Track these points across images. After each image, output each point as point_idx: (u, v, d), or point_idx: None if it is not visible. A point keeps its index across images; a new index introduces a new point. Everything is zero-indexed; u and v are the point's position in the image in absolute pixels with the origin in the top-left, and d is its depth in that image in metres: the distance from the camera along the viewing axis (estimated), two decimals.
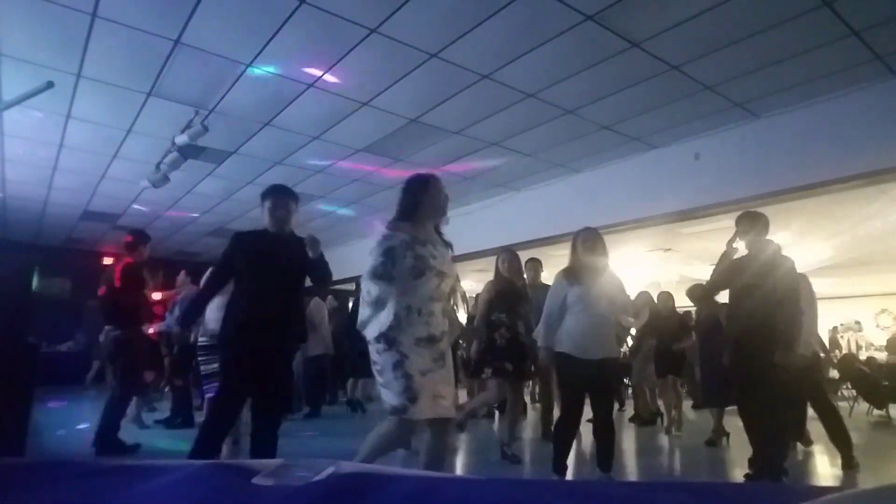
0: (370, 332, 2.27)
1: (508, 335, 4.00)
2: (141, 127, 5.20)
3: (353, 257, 11.00)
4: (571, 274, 3.28)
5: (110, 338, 4.20)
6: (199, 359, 4.13)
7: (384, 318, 2.23)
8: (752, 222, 3.38)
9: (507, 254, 4.30)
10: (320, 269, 2.87)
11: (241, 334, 2.75)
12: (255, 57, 3.97)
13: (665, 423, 5.74)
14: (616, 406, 7.55)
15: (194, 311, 3.06)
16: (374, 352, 2.27)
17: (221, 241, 10.64)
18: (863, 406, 7.05)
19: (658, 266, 9.74)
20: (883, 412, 6.91)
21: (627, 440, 5.46)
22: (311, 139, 5.47)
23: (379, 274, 2.25)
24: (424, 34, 3.70)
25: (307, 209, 7.73)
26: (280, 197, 2.94)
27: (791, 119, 4.65)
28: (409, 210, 2.39)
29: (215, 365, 3.73)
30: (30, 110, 4.75)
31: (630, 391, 6.93)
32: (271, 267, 2.80)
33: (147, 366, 4.92)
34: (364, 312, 2.32)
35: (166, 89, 4.46)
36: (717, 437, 4.91)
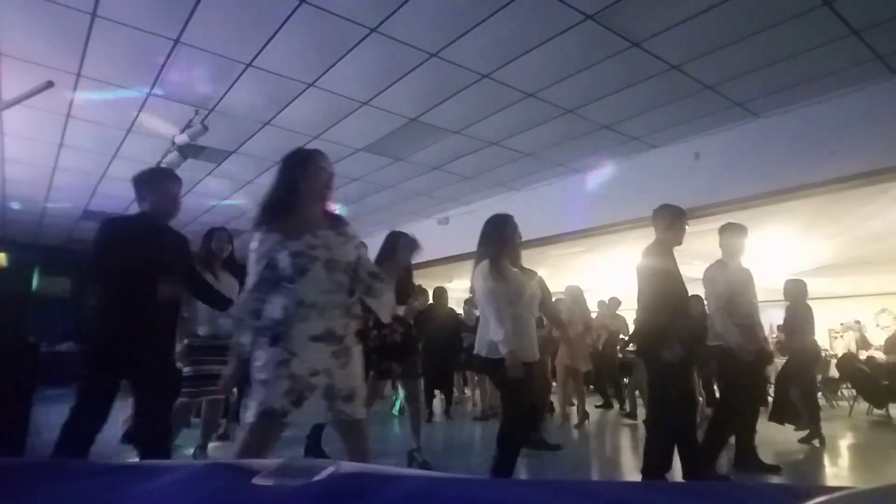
0: (257, 328, 1.99)
1: None
2: (141, 127, 5.20)
3: None
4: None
5: None
6: (189, 359, 3.74)
7: (270, 313, 1.96)
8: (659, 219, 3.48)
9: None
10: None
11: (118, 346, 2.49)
12: (255, 57, 3.97)
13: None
14: (616, 406, 7.56)
15: None
16: (257, 344, 1.96)
17: None
18: (863, 406, 7.06)
19: None
20: (883, 412, 6.91)
21: (631, 440, 5.46)
22: (311, 139, 5.47)
23: (256, 284, 1.99)
24: (424, 34, 3.70)
25: None
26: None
27: (791, 119, 4.65)
28: (280, 200, 2.07)
29: (210, 367, 3.57)
30: (30, 110, 4.75)
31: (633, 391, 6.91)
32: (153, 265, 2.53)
33: None
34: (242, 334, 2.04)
35: (166, 89, 4.46)
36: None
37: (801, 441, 4.77)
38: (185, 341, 3.75)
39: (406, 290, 3.84)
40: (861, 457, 3.97)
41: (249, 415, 1.92)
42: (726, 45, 3.75)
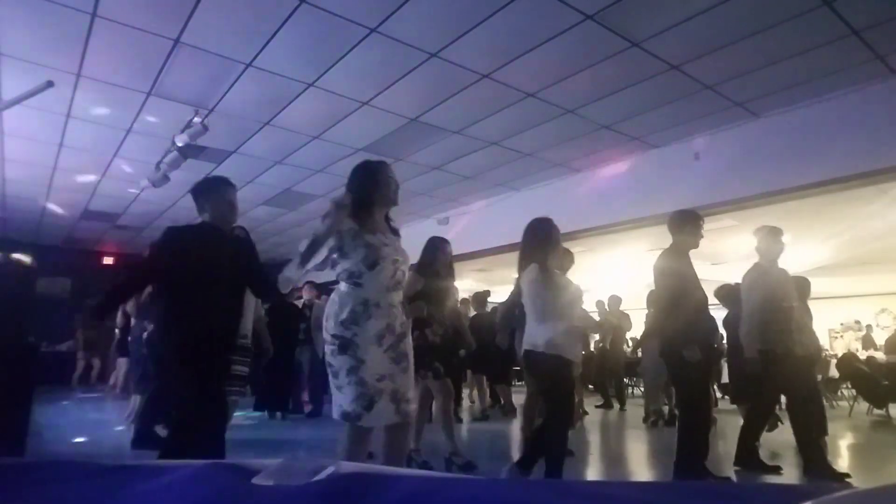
0: (328, 331, 2.15)
1: None
2: (141, 127, 5.20)
3: None
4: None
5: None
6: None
7: (338, 315, 2.11)
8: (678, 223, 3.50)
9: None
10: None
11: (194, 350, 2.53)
12: (255, 57, 3.97)
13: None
14: (617, 406, 7.56)
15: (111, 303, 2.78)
16: (329, 352, 2.14)
17: None
18: (863, 406, 7.06)
19: None
20: (883, 412, 6.91)
21: (641, 440, 5.46)
22: (311, 139, 5.47)
23: (318, 253, 2.09)
24: (424, 34, 3.70)
25: (307, 209, 7.74)
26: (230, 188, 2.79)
27: (791, 119, 4.65)
28: (358, 196, 2.22)
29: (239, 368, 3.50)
30: (30, 110, 4.75)
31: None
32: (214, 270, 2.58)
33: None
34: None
35: (166, 89, 4.46)
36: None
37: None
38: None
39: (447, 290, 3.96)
40: (861, 457, 3.96)
41: (334, 414, 2.13)
42: (726, 45, 3.75)
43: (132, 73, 4.23)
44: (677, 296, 3.30)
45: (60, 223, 9.08)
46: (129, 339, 5.19)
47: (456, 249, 7.51)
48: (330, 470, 0.82)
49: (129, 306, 5.31)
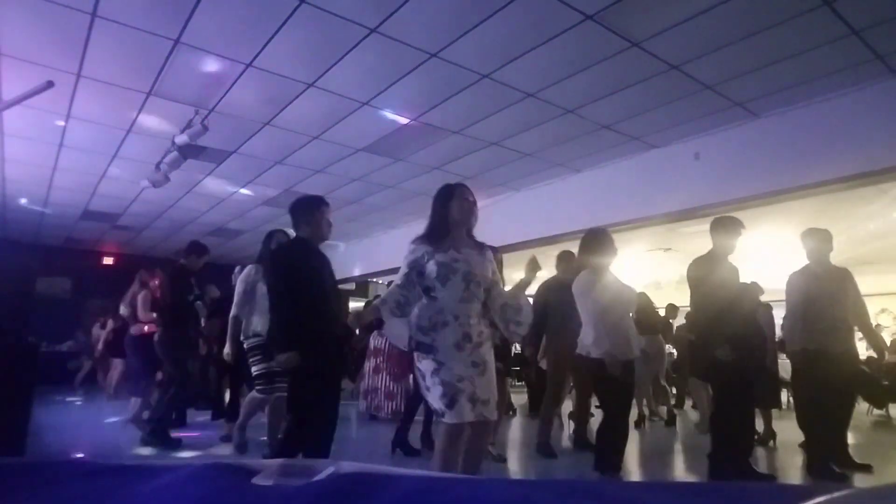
0: (412, 340, 2.42)
1: None
2: (141, 127, 5.20)
3: (353, 257, 10.99)
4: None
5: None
6: (252, 359, 3.88)
7: (418, 323, 2.40)
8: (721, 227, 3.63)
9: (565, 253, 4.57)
10: None
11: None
12: (255, 57, 3.97)
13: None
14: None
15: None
16: (415, 358, 2.42)
17: (221, 241, 10.61)
18: (863, 406, 7.06)
19: (658, 266, 9.75)
20: (883, 412, 6.92)
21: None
22: (311, 139, 5.47)
23: (402, 284, 2.43)
24: (424, 34, 3.69)
25: None
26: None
27: (791, 119, 4.65)
28: (433, 222, 2.54)
29: (266, 364, 3.69)
30: (30, 110, 4.75)
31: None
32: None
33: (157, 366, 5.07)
34: (393, 322, 2.60)
35: (166, 89, 4.46)
36: (766, 437, 4.92)
37: (802, 445, 4.75)
38: (248, 342, 3.87)
39: None
40: (861, 457, 3.96)
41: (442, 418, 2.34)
42: (726, 45, 3.75)
43: (132, 74, 4.23)
44: (711, 300, 3.41)
45: (60, 223, 9.09)
46: (130, 341, 5.20)
47: None
48: (330, 470, 0.82)
49: (123, 309, 5.33)
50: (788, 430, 4.98)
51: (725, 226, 3.59)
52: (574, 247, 3.87)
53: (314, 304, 2.81)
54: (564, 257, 4.65)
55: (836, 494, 0.62)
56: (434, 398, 2.32)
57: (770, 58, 3.91)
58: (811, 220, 6.53)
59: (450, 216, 2.51)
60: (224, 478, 0.83)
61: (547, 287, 4.58)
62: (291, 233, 3.26)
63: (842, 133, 4.36)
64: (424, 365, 2.36)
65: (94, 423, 5.77)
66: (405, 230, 8.16)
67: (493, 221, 7.23)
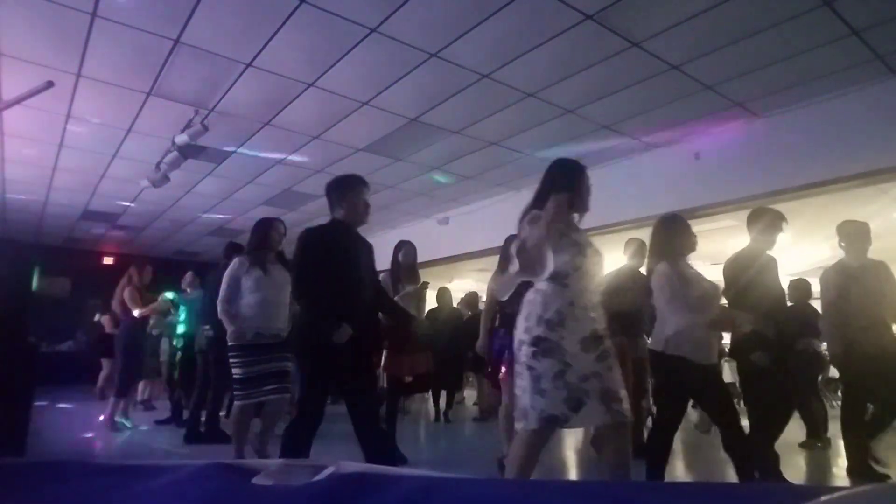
0: (528, 332, 2.07)
1: None
2: (141, 127, 5.20)
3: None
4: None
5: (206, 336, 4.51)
6: (233, 361, 3.43)
7: (542, 315, 2.03)
8: (757, 218, 3.40)
9: None
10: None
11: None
12: (255, 57, 3.97)
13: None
14: None
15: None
16: (530, 355, 2.04)
17: (221, 241, 10.63)
18: None
19: None
20: None
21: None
22: (311, 139, 5.47)
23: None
24: (424, 34, 3.69)
25: (307, 209, 7.73)
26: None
27: (791, 119, 4.65)
28: (569, 198, 2.12)
29: (258, 367, 3.36)
30: (30, 110, 4.75)
31: None
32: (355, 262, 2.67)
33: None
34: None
35: (166, 89, 4.46)
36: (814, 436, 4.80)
37: (802, 445, 4.75)
38: (231, 342, 3.43)
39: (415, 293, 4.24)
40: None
41: (530, 423, 2.01)
42: (726, 45, 3.75)
43: (132, 73, 4.23)
44: (748, 299, 3.15)
45: (60, 223, 9.08)
46: (126, 339, 5.21)
47: (456, 249, 7.54)
48: (330, 470, 0.82)
49: (115, 305, 5.34)
50: (788, 430, 4.97)
51: (763, 219, 3.34)
52: None
53: (346, 291, 2.55)
54: (633, 245, 4.37)
55: (835, 495, 0.62)
56: (551, 402, 1.98)
57: (770, 58, 3.91)
58: (811, 220, 6.55)
59: (580, 196, 2.19)
60: (224, 478, 0.83)
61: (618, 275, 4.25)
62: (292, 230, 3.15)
63: (842, 133, 4.36)
64: (544, 365, 2.00)
65: (95, 423, 5.77)
66: (405, 230, 8.15)
67: (493, 221, 7.25)
